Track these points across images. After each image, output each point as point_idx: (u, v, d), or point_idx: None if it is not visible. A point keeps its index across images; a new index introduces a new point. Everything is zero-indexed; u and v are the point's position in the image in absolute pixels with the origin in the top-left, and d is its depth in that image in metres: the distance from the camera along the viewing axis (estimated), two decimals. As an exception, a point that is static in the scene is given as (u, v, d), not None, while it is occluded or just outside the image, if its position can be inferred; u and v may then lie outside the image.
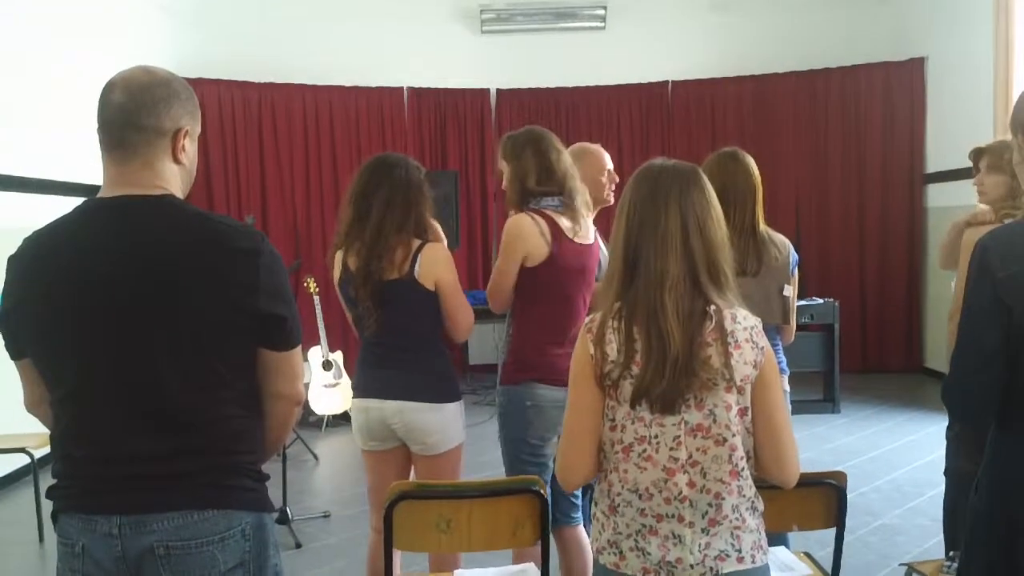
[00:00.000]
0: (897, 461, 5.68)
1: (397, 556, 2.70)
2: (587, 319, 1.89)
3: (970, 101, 7.18)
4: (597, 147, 3.47)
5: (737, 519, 1.82)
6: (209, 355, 1.68)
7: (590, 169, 3.36)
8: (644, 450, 1.81)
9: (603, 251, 3.31)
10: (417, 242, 2.97)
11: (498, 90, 8.71)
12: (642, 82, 8.66)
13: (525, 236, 2.96)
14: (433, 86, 8.59)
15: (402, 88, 8.58)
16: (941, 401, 1.92)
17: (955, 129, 7.56)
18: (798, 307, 6.99)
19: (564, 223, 2.99)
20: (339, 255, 3.04)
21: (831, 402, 7.09)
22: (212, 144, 7.97)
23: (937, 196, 8.06)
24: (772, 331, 3.17)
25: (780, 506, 2.37)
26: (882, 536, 4.37)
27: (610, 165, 3.47)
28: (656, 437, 1.81)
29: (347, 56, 8.41)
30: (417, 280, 2.94)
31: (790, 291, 3.16)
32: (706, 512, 1.80)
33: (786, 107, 8.56)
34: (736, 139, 8.19)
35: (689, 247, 1.81)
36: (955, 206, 7.10)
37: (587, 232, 3.07)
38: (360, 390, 3.08)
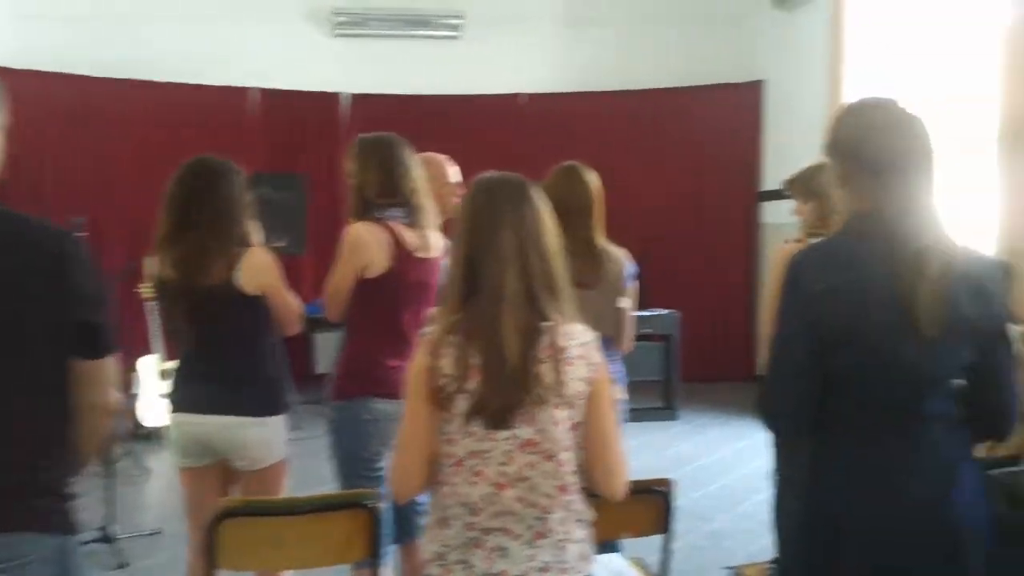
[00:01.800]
0: (730, 466, 5.91)
1: None
2: (424, 331, 1.88)
3: (804, 123, 7.57)
4: (440, 157, 3.46)
5: (564, 532, 1.84)
6: (13, 364, 1.57)
7: (432, 180, 3.34)
8: (475, 464, 1.82)
9: None
10: (236, 248, 2.87)
11: (352, 95, 8.60)
12: (496, 93, 8.73)
13: (362, 246, 2.91)
14: (283, 87, 8.39)
15: (251, 88, 8.34)
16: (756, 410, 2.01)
17: (790, 150, 7.96)
18: (641, 318, 7.23)
19: (407, 236, 2.95)
20: (154, 262, 2.90)
21: (670, 409, 7.34)
22: (46, 141, 7.53)
23: (771, 214, 8.47)
24: (608, 342, 3.23)
25: (610, 514, 2.40)
26: (713, 540, 4.54)
27: (454, 176, 3.46)
28: (487, 452, 1.82)
29: (193, 53, 8.09)
30: (238, 286, 2.83)
31: (625, 303, 3.24)
32: (532, 525, 1.82)
33: (634, 124, 8.80)
34: (586, 153, 8.28)
35: (526, 260, 1.83)
36: (788, 223, 7.46)
37: (432, 246, 3.04)
38: (177, 404, 2.96)
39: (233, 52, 8.22)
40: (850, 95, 6.67)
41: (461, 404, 1.80)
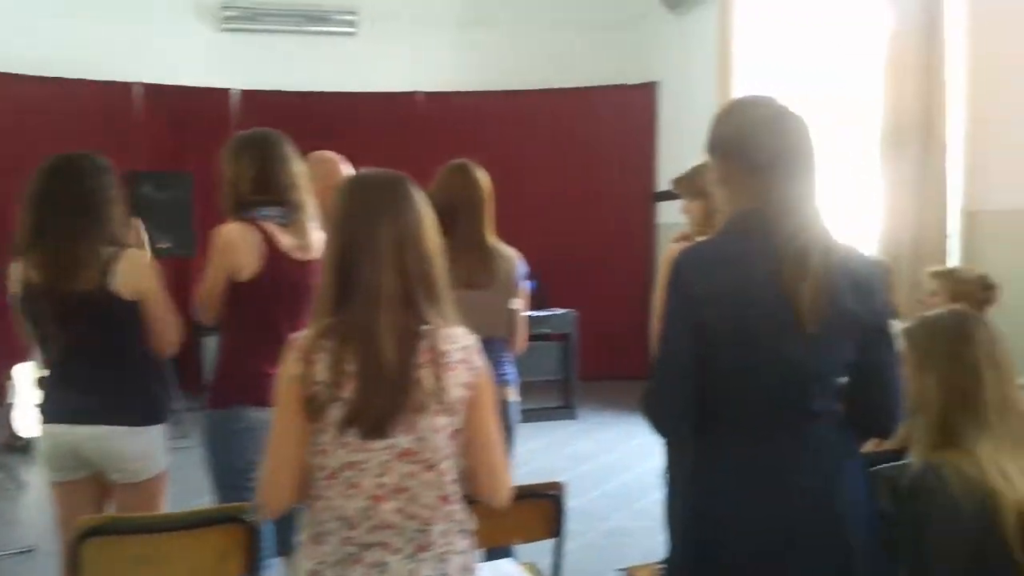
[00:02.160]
0: (628, 464, 5.95)
1: None
2: (295, 335, 1.78)
3: (696, 124, 7.60)
4: (333, 156, 3.36)
5: (446, 544, 1.78)
6: None
7: (324, 179, 3.24)
8: (350, 476, 1.73)
9: None
10: (111, 249, 2.72)
11: (242, 91, 8.35)
12: (392, 91, 8.60)
13: (231, 248, 2.80)
14: (169, 83, 8.08)
15: (135, 83, 8.02)
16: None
17: (683, 150, 8.06)
18: (538, 317, 7.23)
19: (282, 237, 2.84)
20: (17, 267, 2.73)
21: (569, 408, 7.36)
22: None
23: (666, 213, 8.58)
24: (501, 343, 3.18)
25: (501, 520, 2.36)
26: (611, 540, 4.54)
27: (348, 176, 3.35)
28: (363, 463, 1.73)
29: (75, 47, 7.72)
30: (113, 291, 2.69)
31: (517, 304, 3.19)
32: (413, 538, 1.75)
33: (531, 123, 8.80)
34: (484, 152, 8.22)
35: (404, 261, 1.75)
36: (683, 223, 7.58)
37: (313, 247, 2.92)
38: (48, 415, 2.79)
39: (117, 46, 7.87)
40: (739, 95, 6.80)
41: (335, 413, 1.71)
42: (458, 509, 1.81)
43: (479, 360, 1.81)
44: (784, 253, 1.78)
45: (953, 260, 4.93)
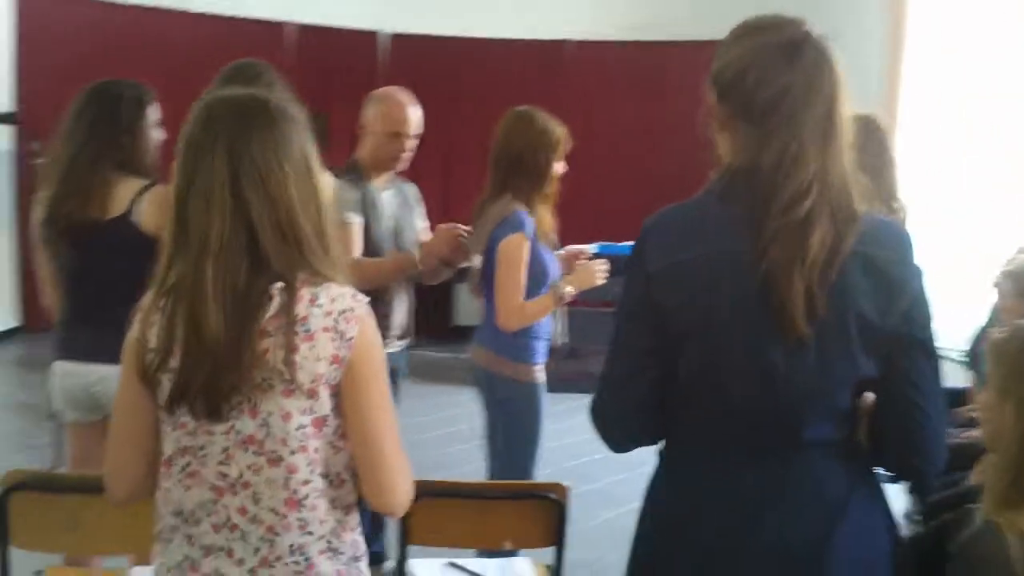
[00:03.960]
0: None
1: None
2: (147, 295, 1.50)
3: (866, 79, 6.89)
4: (399, 98, 3.04)
5: (299, 563, 1.44)
6: None
7: (379, 122, 2.98)
8: (188, 463, 1.44)
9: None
10: (139, 182, 2.60)
11: (392, 35, 8.19)
12: (538, 39, 8.20)
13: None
14: (318, 23, 8.00)
15: (285, 23, 7.99)
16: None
17: (851, 105, 7.28)
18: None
19: None
20: (42, 196, 2.64)
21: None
22: (74, 69, 7.27)
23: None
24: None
25: (490, 519, 2.08)
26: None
27: (413, 124, 3.02)
28: (203, 448, 1.43)
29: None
30: (135, 224, 2.57)
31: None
32: (258, 548, 1.43)
33: (683, 76, 8.18)
34: (629, 105, 7.86)
35: (243, 202, 1.39)
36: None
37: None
38: (60, 350, 2.67)
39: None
40: (911, 46, 6.02)
41: (164, 386, 1.43)
42: (319, 518, 1.45)
43: (357, 328, 1.43)
44: (775, 226, 1.32)
45: None
